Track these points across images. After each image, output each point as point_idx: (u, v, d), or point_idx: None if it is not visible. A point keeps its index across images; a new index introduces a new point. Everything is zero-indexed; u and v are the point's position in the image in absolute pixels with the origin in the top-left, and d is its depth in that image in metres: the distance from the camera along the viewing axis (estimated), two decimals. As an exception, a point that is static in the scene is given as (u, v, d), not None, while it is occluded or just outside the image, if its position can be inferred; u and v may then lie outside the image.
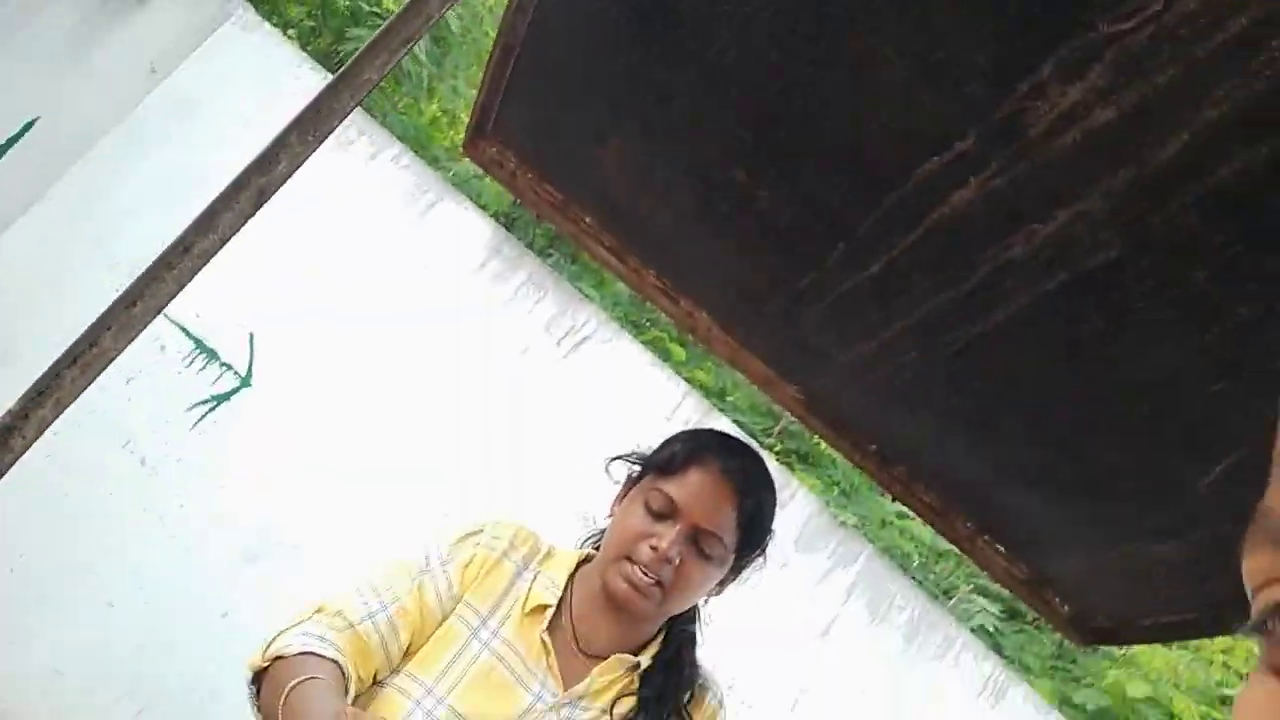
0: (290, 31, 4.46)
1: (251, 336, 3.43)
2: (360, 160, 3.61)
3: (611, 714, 1.27)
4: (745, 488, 1.29)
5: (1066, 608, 1.54)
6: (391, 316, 3.48)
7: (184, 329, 3.38)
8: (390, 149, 3.69)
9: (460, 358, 3.50)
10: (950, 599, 4.66)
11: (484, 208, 3.86)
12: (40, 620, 3.13)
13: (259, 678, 1.18)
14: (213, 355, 3.39)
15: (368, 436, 3.42)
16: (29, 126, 3.46)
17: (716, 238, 1.38)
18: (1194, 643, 4.92)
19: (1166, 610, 1.37)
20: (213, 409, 3.36)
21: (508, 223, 4.35)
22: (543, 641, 1.28)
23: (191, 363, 3.37)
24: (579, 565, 1.37)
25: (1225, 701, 4.84)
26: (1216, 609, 1.28)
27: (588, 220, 1.59)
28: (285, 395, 3.42)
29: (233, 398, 3.39)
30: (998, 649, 4.53)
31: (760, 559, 1.36)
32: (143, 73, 3.52)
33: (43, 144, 3.47)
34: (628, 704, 1.28)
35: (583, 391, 3.64)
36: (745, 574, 1.37)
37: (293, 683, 1.09)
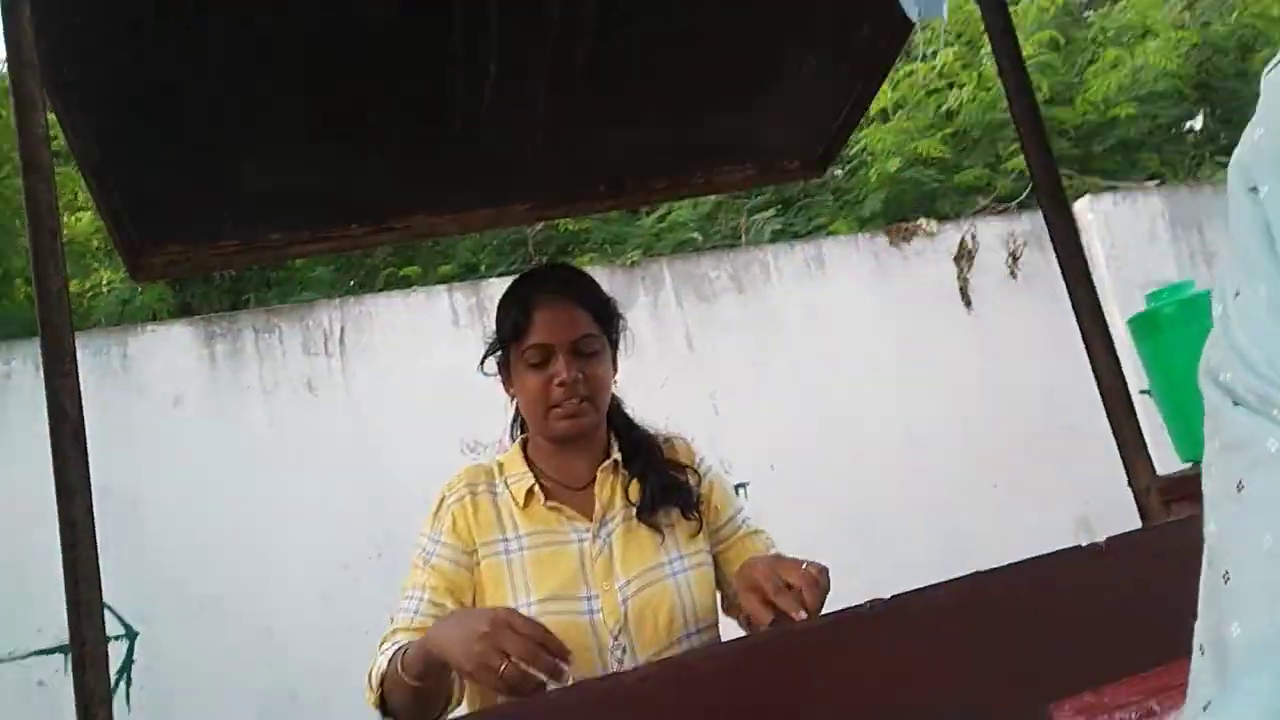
0: None
1: None
2: None
3: (629, 502, 1.52)
4: (572, 289, 1.52)
5: (797, 162, 1.89)
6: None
7: None
8: None
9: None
10: (738, 238, 5.16)
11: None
12: None
13: (384, 706, 1.35)
14: None
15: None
16: None
17: (387, 157, 1.53)
18: (900, 107, 5.67)
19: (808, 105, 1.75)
20: None
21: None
22: (549, 508, 1.50)
23: None
24: (524, 449, 1.57)
25: (953, 116, 5.64)
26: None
27: (275, 237, 1.67)
28: None
29: None
30: (795, 235, 5.11)
31: (621, 322, 1.60)
32: None
33: None
34: (634, 491, 1.53)
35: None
36: (621, 342, 1.61)
37: (399, 660, 1.28)
